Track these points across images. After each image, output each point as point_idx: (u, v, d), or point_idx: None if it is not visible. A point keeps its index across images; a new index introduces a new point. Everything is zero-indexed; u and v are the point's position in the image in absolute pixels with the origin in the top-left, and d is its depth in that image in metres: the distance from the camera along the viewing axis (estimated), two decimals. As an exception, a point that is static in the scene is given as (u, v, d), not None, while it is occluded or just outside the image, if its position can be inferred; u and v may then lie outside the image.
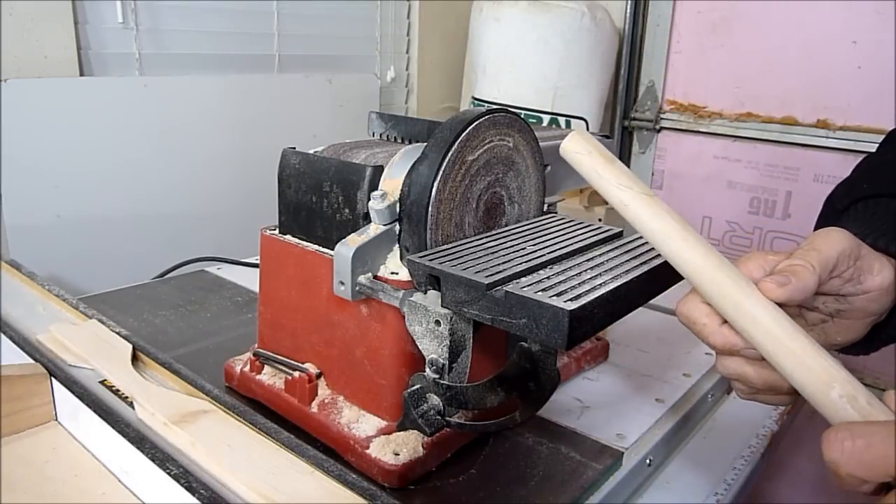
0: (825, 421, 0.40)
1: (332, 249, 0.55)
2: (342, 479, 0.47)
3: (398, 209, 0.55)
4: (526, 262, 0.52)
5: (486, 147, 0.57)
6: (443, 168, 0.53)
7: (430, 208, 0.53)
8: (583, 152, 0.47)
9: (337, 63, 1.54)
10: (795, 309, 0.50)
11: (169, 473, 0.46)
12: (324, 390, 0.62)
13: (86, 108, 1.11)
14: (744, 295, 0.43)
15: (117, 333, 0.67)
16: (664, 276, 0.56)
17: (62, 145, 1.09)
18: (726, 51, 1.58)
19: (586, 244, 0.58)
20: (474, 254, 0.53)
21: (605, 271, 0.52)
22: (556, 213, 0.69)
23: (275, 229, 0.65)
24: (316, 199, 0.60)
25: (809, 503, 1.39)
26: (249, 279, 1.02)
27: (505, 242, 0.57)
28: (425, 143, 0.55)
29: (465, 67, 1.69)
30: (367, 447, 0.56)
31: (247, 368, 0.68)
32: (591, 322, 0.46)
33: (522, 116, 0.61)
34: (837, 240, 0.48)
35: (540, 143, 0.64)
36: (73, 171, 1.10)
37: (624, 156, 1.79)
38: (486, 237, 0.58)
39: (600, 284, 0.48)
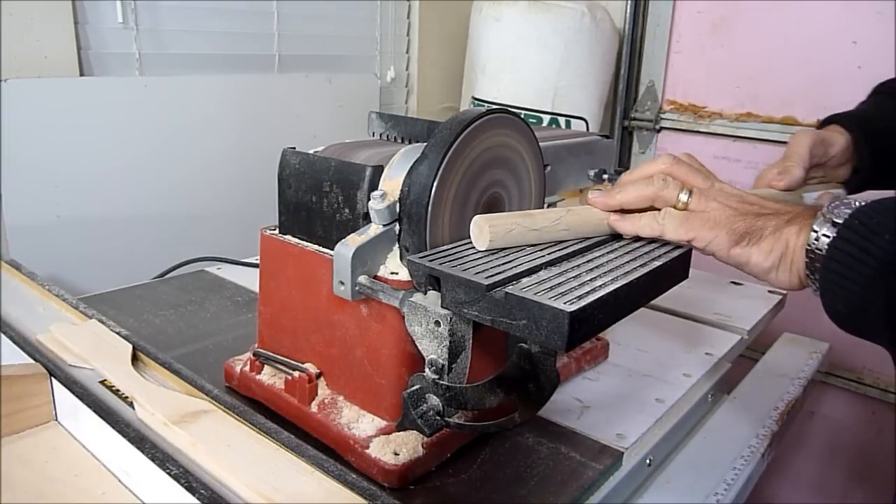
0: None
1: (332, 249, 0.55)
2: (342, 479, 0.47)
3: (398, 209, 0.55)
4: (526, 262, 0.52)
5: (486, 147, 0.57)
6: (443, 168, 0.53)
7: (430, 208, 0.53)
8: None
9: (337, 63, 1.53)
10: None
11: (169, 473, 0.46)
12: (324, 390, 0.62)
13: (86, 108, 1.11)
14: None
15: (117, 333, 0.67)
16: (664, 277, 0.56)
17: (62, 145, 1.09)
18: (726, 51, 1.58)
19: (586, 245, 0.58)
20: (474, 254, 0.53)
21: (605, 273, 0.52)
22: (556, 213, 0.69)
23: (275, 229, 0.65)
24: (316, 199, 0.60)
25: (809, 503, 1.39)
26: (249, 279, 1.02)
27: (505, 243, 0.57)
28: (425, 143, 0.55)
29: (465, 67, 1.69)
30: (367, 447, 0.56)
31: (247, 368, 0.68)
32: (590, 324, 0.46)
33: (522, 116, 0.61)
34: (804, 139, 0.74)
35: (540, 143, 0.64)
36: (73, 171, 1.10)
37: (624, 156, 1.79)
38: (486, 237, 0.58)
39: (600, 286, 0.48)
